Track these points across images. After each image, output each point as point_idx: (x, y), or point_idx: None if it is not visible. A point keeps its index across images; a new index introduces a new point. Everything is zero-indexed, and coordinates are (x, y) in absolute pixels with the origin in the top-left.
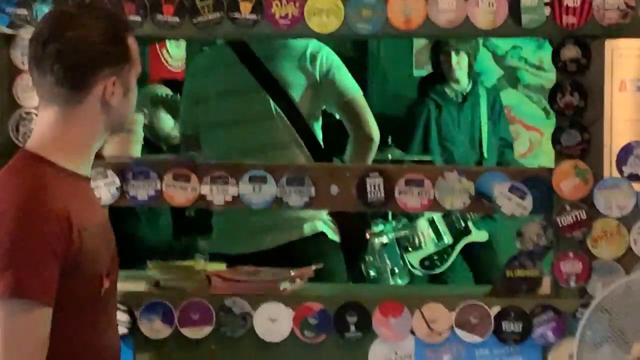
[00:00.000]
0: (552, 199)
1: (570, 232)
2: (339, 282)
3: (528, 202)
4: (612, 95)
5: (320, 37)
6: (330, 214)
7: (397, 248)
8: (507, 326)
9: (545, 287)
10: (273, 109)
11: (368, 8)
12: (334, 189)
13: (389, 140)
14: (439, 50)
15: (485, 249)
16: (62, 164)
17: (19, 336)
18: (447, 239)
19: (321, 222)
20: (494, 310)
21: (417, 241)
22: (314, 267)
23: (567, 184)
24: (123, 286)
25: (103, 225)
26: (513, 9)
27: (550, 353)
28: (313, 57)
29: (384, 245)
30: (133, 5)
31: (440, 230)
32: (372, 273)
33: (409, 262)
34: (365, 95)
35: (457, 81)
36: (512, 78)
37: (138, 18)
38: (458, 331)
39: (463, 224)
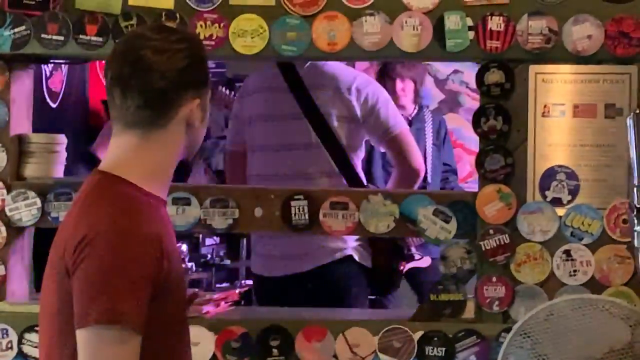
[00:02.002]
0: (476, 223)
1: (494, 256)
2: (361, 305)
3: (452, 225)
4: (535, 120)
5: (244, 59)
6: (369, 240)
7: None
8: (430, 351)
9: (469, 311)
10: (313, 138)
11: (293, 30)
12: (258, 211)
13: None
14: (384, 76)
15: (427, 274)
16: (146, 188)
17: None
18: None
19: (350, 248)
20: (417, 334)
21: None
22: (237, 291)
23: (491, 208)
24: None
25: (178, 249)
26: (437, 33)
27: None
28: (358, 92)
29: None
30: (56, 25)
31: None
32: None
33: None
34: None
35: (402, 107)
36: (453, 102)
37: (61, 38)
38: (381, 356)
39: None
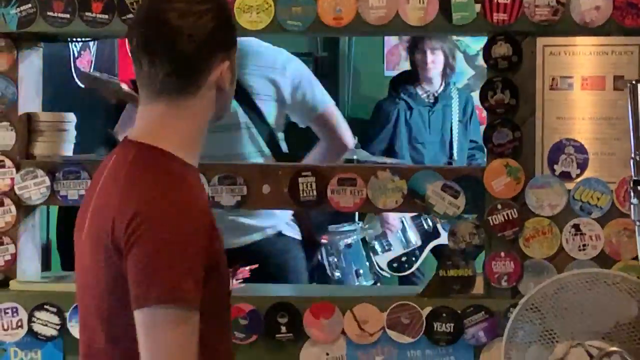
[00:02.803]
0: (484, 198)
1: (502, 232)
2: (302, 279)
3: (461, 201)
4: (543, 93)
5: (250, 34)
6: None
7: (362, 250)
8: (439, 327)
9: (478, 287)
10: (241, 119)
11: (298, 5)
12: (266, 188)
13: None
14: (414, 49)
15: None
16: (182, 157)
17: (181, 345)
18: (416, 240)
19: (282, 223)
20: (426, 310)
21: (385, 243)
22: (247, 268)
23: (499, 182)
24: (53, 286)
25: None
26: (443, 6)
27: (482, 353)
28: (283, 70)
29: (348, 246)
30: (61, 3)
31: (408, 233)
32: (337, 274)
33: (377, 264)
34: (335, 95)
35: (429, 81)
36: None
37: (67, 15)
38: (389, 332)
39: (432, 226)
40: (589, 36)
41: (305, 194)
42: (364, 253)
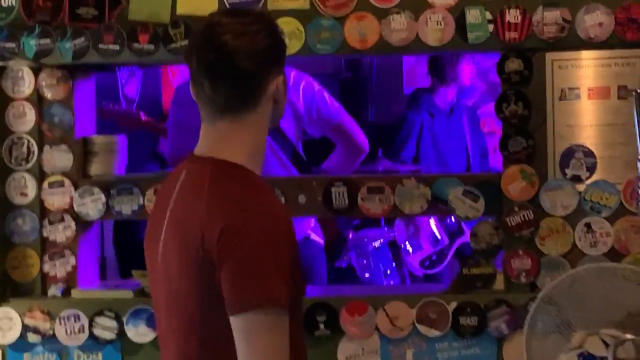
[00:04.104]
0: (502, 201)
1: (519, 231)
2: (322, 282)
3: (480, 204)
4: (553, 103)
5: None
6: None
7: (389, 251)
8: (464, 320)
9: (499, 283)
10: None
11: (326, 30)
12: (302, 198)
13: (379, 153)
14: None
15: None
16: (252, 169)
17: (278, 346)
18: (444, 239)
19: (308, 228)
20: (452, 306)
21: (415, 243)
22: None
23: (515, 186)
24: (111, 294)
25: None
26: (459, 27)
27: (505, 344)
28: (296, 86)
29: (376, 248)
30: (111, 35)
31: (436, 232)
32: (367, 275)
33: (410, 263)
34: (358, 111)
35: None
36: (495, 91)
37: (117, 47)
38: (419, 326)
39: (457, 225)
40: (593, 50)
41: (338, 203)
42: (391, 255)
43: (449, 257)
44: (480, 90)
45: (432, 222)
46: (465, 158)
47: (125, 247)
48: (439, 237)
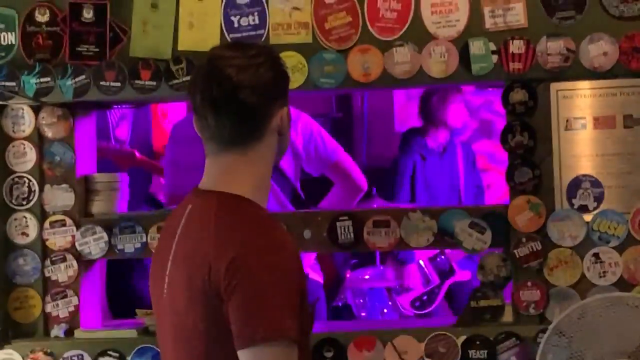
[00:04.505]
0: (509, 232)
1: (527, 263)
2: (320, 319)
3: (487, 236)
4: (559, 134)
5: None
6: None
7: (383, 290)
8: (474, 354)
9: (507, 315)
10: None
11: (330, 64)
12: (307, 233)
13: (374, 191)
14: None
15: (468, 286)
16: (257, 202)
17: None
18: (435, 279)
19: (307, 266)
20: (461, 339)
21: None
22: None
23: (522, 217)
24: (115, 333)
25: None
26: (463, 59)
27: None
28: (294, 124)
29: (371, 288)
30: (113, 72)
31: (427, 272)
32: (363, 314)
33: (400, 304)
34: (351, 150)
35: (435, 135)
36: (486, 129)
37: (118, 84)
38: None
39: (448, 265)
40: (598, 79)
41: (343, 237)
42: (387, 294)
43: (440, 297)
44: (471, 128)
45: (421, 262)
46: (457, 197)
47: (115, 288)
48: (430, 277)
